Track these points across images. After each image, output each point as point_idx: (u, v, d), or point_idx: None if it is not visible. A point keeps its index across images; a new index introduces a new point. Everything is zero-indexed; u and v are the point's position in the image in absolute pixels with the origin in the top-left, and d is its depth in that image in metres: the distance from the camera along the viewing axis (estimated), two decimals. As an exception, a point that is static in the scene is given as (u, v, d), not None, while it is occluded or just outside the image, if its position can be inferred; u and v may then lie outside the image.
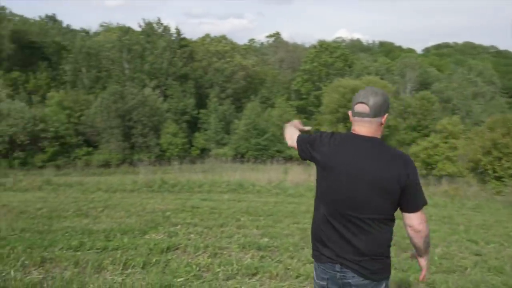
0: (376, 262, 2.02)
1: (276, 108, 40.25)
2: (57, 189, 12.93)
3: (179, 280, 4.19)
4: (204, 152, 34.73)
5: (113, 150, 26.86)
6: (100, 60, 35.84)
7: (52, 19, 48.33)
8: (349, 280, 2.02)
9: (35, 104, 27.76)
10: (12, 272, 4.07)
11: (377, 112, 2.06)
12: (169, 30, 43.40)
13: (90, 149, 27.79)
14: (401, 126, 33.17)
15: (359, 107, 2.07)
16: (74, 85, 34.08)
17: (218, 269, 4.56)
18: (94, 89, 34.51)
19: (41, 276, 4.13)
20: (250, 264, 4.76)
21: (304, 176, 15.67)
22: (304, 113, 41.90)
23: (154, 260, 4.80)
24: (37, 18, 44.58)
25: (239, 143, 34.33)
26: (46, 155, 25.38)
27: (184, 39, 43.22)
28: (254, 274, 4.52)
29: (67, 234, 6.15)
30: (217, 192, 13.06)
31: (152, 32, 41.07)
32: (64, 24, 50.74)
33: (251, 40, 57.15)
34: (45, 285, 3.88)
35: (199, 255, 5.20)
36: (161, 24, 42.64)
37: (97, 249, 5.22)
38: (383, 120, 2.11)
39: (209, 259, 4.95)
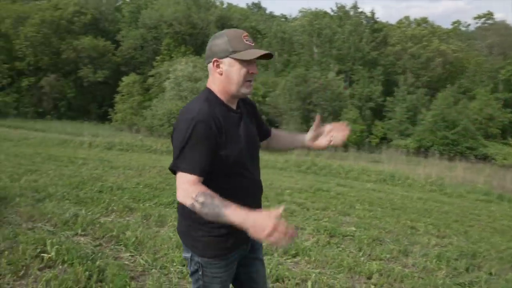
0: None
1: (476, 100, 35.50)
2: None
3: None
4: (382, 141, 33.15)
5: (292, 131, 28.03)
6: (292, 44, 37.51)
7: (257, 6, 52.76)
8: None
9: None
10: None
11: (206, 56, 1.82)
12: (364, 14, 42.44)
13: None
14: None
15: None
16: (266, 68, 36.65)
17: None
18: (284, 72, 36.37)
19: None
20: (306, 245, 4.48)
21: (471, 176, 13.53)
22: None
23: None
24: (244, 6, 49.39)
25: (423, 135, 31.56)
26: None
27: (377, 22, 41.64)
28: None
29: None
30: (363, 180, 12.43)
31: (346, 17, 40.83)
32: (268, 11, 54.78)
33: (456, 22, 50.91)
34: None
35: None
36: (357, 8, 41.98)
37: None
38: (210, 66, 1.80)
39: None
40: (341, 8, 41.55)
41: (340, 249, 4.78)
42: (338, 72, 35.13)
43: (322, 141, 2.06)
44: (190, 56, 32.01)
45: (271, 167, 13.22)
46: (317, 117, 2.01)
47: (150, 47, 39.66)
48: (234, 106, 1.85)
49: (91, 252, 3.71)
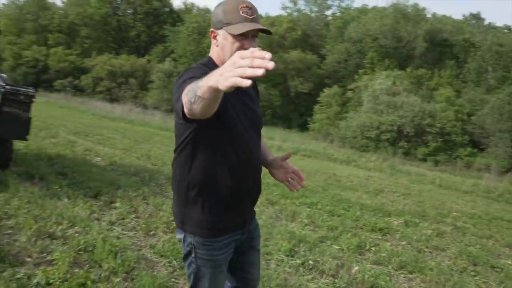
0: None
1: None
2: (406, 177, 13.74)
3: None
4: None
5: (499, 155, 24.53)
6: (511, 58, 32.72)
7: (475, 17, 47.77)
8: None
9: (427, 99, 28.94)
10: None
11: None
12: None
13: (475, 150, 26.47)
14: None
15: None
16: (477, 84, 32.93)
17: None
18: (498, 89, 32.09)
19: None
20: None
21: None
22: None
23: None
24: (459, 17, 45.21)
25: None
26: (428, 149, 26.21)
27: None
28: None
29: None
30: None
31: None
32: (487, 21, 49.05)
33: None
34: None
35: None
36: None
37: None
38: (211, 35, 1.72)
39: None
40: None
41: (476, 278, 4.28)
42: None
43: (280, 175, 1.98)
44: (394, 70, 31.31)
45: (454, 189, 12.06)
46: (288, 154, 1.97)
47: (354, 60, 40.23)
48: None
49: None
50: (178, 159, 1.76)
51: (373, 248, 4.68)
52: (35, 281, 2.76)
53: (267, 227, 4.72)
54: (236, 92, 1.66)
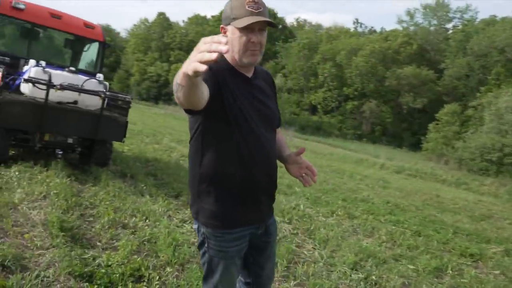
0: None
1: None
2: None
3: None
4: None
5: None
6: None
7: None
8: None
9: None
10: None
11: None
12: None
13: None
14: None
15: None
16: None
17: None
18: None
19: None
20: None
21: None
22: None
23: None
24: None
25: None
26: None
27: None
28: None
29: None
30: None
31: None
32: None
33: None
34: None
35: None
36: None
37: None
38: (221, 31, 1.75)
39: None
40: None
41: None
42: None
43: (295, 171, 1.93)
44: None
45: None
46: (301, 149, 1.90)
47: (476, 76, 37.02)
48: (248, 74, 1.78)
49: (284, 235, 4.33)
50: (190, 152, 1.82)
51: (454, 273, 4.24)
52: (97, 261, 3.04)
53: (337, 239, 4.57)
54: (245, 86, 1.75)
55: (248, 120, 1.71)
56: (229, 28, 1.69)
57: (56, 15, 5.99)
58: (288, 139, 25.36)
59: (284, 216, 5.16)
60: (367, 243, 4.67)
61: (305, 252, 4.07)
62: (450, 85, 38.81)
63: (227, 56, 1.75)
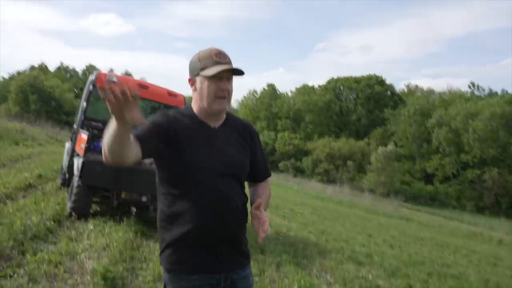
0: None
1: None
2: None
3: None
4: None
5: None
6: None
7: None
8: None
9: None
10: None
11: None
12: None
13: None
14: None
15: None
16: None
17: None
18: None
19: None
20: None
21: None
22: None
23: None
24: None
25: None
26: None
27: None
28: None
29: None
30: None
31: None
32: None
33: None
34: None
35: None
36: None
37: None
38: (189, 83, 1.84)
39: None
40: None
41: None
42: None
43: (255, 225, 1.71)
44: None
45: None
46: (257, 202, 1.71)
47: None
48: (212, 124, 1.83)
49: None
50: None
51: None
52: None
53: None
54: (205, 135, 1.81)
55: (201, 167, 1.74)
56: (197, 79, 1.78)
57: (143, 86, 6.69)
58: (392, 208, 23.84)
59: (346, 284, 4.77)
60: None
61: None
62: None
63: (194, 106, 1.84)
